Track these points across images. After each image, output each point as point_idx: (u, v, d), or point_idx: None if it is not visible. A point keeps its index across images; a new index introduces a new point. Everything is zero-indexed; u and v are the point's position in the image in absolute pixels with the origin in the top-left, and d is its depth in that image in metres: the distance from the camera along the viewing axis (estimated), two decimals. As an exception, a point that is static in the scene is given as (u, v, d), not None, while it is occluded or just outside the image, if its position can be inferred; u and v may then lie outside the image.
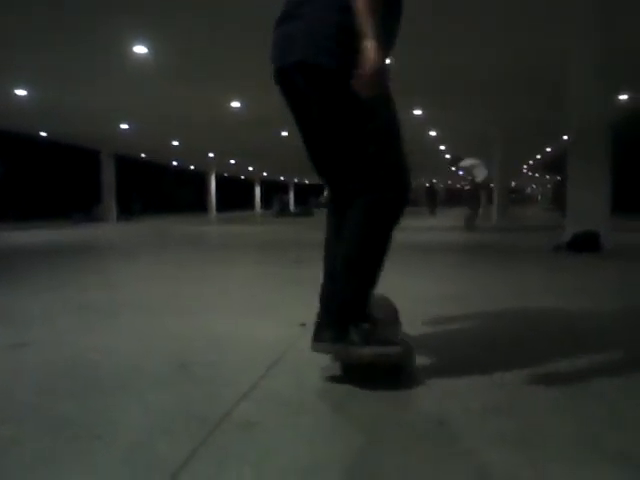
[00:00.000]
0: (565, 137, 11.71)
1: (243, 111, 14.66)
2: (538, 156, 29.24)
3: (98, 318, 3.03)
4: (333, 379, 1.91)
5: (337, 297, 1.94)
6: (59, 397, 1.77)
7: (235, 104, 13.95)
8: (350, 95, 1.79)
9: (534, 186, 69.22)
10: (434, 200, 32.81)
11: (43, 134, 19.86)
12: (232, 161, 31.50)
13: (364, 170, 1.92)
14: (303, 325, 2.70)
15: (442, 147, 24.10)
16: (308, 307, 3.20)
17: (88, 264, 6.20)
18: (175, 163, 33.67)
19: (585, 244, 6.58)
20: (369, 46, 1.71)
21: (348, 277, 1.93)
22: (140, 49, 9.26)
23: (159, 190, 39.53)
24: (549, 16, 7.74)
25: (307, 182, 53.13)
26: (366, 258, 1.93)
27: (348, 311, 1.90)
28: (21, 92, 12.52)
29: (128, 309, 3.30)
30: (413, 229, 12.51)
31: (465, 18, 7.87)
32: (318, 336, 1.94)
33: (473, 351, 2.26)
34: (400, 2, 2.04)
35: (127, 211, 25.52)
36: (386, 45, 1.85)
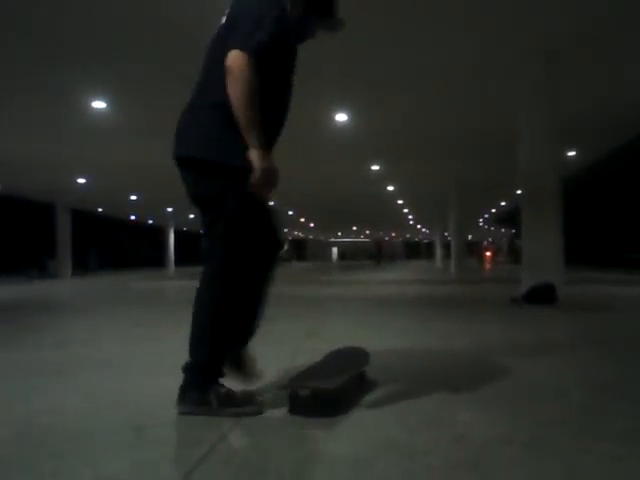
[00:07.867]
0: (519, 191, 12.10)
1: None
2: (493, 210, 30.06)
3: (50, 378, 2.89)
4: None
5: (194, 362, 2.10)
6: (6, 464, 1.66)
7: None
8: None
9: (490, 239, 70.73)
10: (379, 253, 34.13)
11: (-5, 187, 19.35)
12: (191, 215, 31.31)
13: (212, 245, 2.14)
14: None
15: (400, 201, 24.61)
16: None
17: (41, 322, 5.97)
18: (133, 217, 33.24)
19: (541, 296, 6.69)
20: (255, 156, 1.95)
21: (202, 341, 2.10)
22: (98, 104, 9.26)
23: (117, 245, 38.80)
24: (501, 86, 8.14)
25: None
26: (215, 324, 2.10)
27: (206, 374, 2.09)
28: (-26, 142, 12.25)
29: (82, 369, 3.17)
30: (363, 284, 12.46)
31: (422, 83, 8.19)
32: (182, 398, 2.09)
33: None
34: (284, 99, 2.26)
35: (83, 266, 24.92)
36: (270, 143, 2.12)
